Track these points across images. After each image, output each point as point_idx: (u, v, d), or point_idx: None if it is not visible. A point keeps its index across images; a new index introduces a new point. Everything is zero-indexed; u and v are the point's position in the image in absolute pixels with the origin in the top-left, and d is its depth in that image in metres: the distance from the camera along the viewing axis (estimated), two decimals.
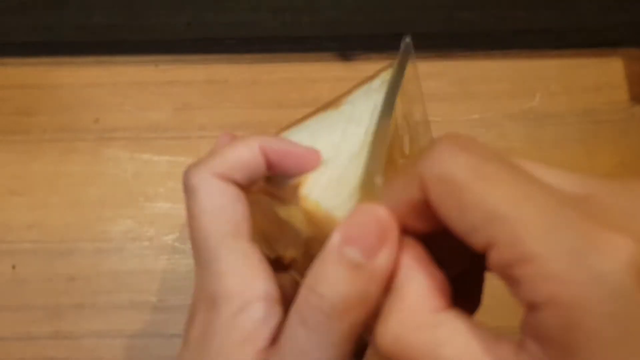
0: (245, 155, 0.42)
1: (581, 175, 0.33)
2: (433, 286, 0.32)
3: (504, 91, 0.77)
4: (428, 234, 0.34)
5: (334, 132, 0.44)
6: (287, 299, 0.38)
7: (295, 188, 0.41)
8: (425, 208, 0.31)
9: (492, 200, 0.28)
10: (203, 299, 0.39)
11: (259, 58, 0.83)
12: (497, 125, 0.76)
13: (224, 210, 0.40)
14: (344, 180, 0.40)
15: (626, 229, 0.26)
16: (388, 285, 0.33)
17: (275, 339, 0.37)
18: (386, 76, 0.48)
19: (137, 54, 0.85)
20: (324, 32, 0.86)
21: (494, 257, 0.28)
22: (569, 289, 0.26)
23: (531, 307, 0.27)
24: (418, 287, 0.32)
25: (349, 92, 0.48)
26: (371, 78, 0.49)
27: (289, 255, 0.45)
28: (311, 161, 0.42)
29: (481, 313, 0.43)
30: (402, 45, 0.47)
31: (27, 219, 0.75)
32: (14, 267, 0.71)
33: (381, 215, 0.33)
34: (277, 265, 0.43)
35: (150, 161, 0.78)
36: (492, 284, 0.39)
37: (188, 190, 0.42)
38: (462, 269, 0.38)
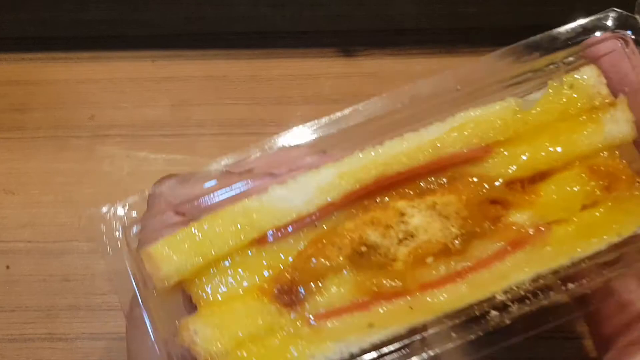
0: None
1: None
2: None
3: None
4: None
5: None
6: None
7: None
8: None
9: None
10: None
11: (259, 53, 0.81)
12: None
13: None
14: None
15: None
16: None
17: None
18: None
19: (134, 50, 0.83)
20: (325, 27, 0.85)
21: None
22: None
23: None
24: None
25: None
26: None
27: None
28: None
29: None
30: None
31: (21, 218, 0.74)
32: (7, 267, 0.71)
33: None
34: None
35: (147, 159, 0.77)
36: None
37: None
38: None
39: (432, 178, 0.45)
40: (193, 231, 0.43)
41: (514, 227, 0.44)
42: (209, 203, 0.45)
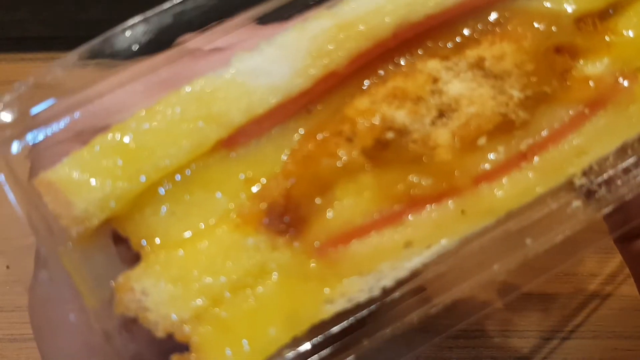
0: None
1: None
2: None
3: None
4: None
5: None
6: None
7: None
8: None
9: None
10: None
11: None
12: None
13: None
14: None
15: None
16: None
17: None
18: None
19: None
20: None
21: None
22: None
23: None
24: None
25: None
26: None
27: None
28: None
29: None
30: None
31: None
32: (7, 267, 0.72)
33: None
34: None
35: None
36: None
37: None
38: None
39: (472, 23, 0.30)
40: (117, 137, 0.26)
41: (588, 82, 0.30)
42: (133, 100, 0.28)
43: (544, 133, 0.30)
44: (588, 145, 0.30)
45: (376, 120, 0.28)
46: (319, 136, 0.28)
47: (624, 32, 0.31)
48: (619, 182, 0.31)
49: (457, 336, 0.64)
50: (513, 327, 0.65)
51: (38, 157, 0.28)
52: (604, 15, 0.31)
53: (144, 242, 0.28)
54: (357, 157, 0.28)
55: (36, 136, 0.29)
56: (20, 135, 0.28)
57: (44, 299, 0.29)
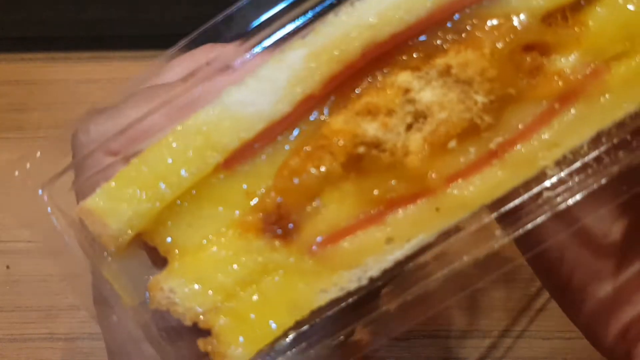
0: None
1: None
2: None
3: None
4: None
5: None
6: None
7: None
8: None
9: None
10: None
11: None
12: None
13: None
14: None
15: None
16: None
17: None
18: None
19: (133, 49, 0.79)
20: None
21: None
22: None
23: None
24: None
25: None
26: None
27: None
28: None
29: None
30: None
31: None
32: (7, 267, 0.69)
33: None
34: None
35: None
36: None
37: None
38: None
39: (439, 33, 0.32)
40: (135, 170, 0.33)
41: (559, 77, 0.32)
42: (149, 130, 0.35)
43: (514, 131, 0.32)
44: (559, 138, 0.32)
45: (347, 136, 0.32)
46: (303, 152, 0.33)
47: (594, 23, 0.32)
48: (589, 170, 0.32)
49: (435, 336, 0.64)
50: (499, 328, 0.65)
51: (81, 188, 0.36)
52: (575, 8, 0.32)
53: (168, 249, 0.34)
54: (337, 168, 0.33)
55: (76, 170, 0.37)
56: (63, 173, 0.36)
57: (99, 309, 0.38)
